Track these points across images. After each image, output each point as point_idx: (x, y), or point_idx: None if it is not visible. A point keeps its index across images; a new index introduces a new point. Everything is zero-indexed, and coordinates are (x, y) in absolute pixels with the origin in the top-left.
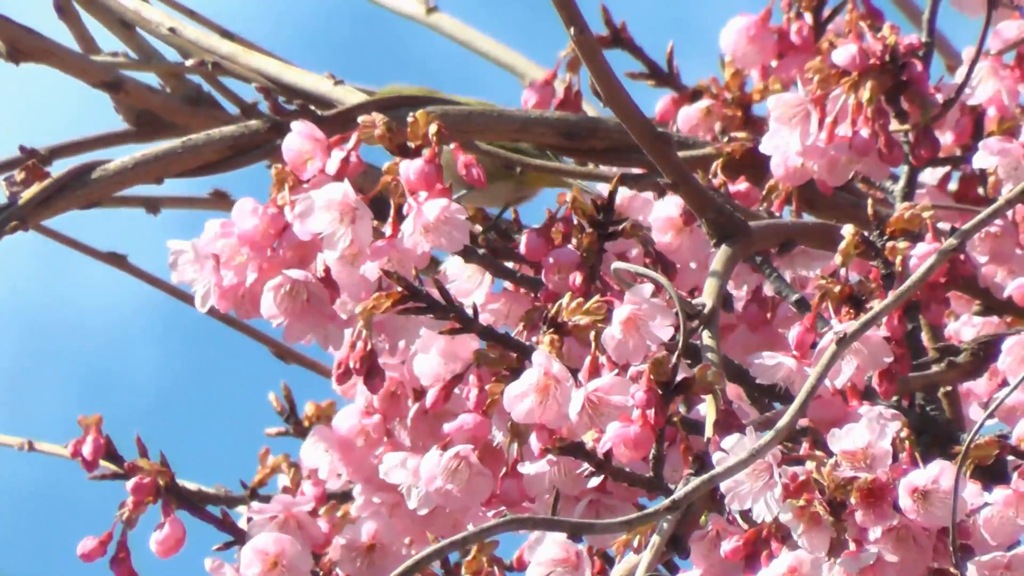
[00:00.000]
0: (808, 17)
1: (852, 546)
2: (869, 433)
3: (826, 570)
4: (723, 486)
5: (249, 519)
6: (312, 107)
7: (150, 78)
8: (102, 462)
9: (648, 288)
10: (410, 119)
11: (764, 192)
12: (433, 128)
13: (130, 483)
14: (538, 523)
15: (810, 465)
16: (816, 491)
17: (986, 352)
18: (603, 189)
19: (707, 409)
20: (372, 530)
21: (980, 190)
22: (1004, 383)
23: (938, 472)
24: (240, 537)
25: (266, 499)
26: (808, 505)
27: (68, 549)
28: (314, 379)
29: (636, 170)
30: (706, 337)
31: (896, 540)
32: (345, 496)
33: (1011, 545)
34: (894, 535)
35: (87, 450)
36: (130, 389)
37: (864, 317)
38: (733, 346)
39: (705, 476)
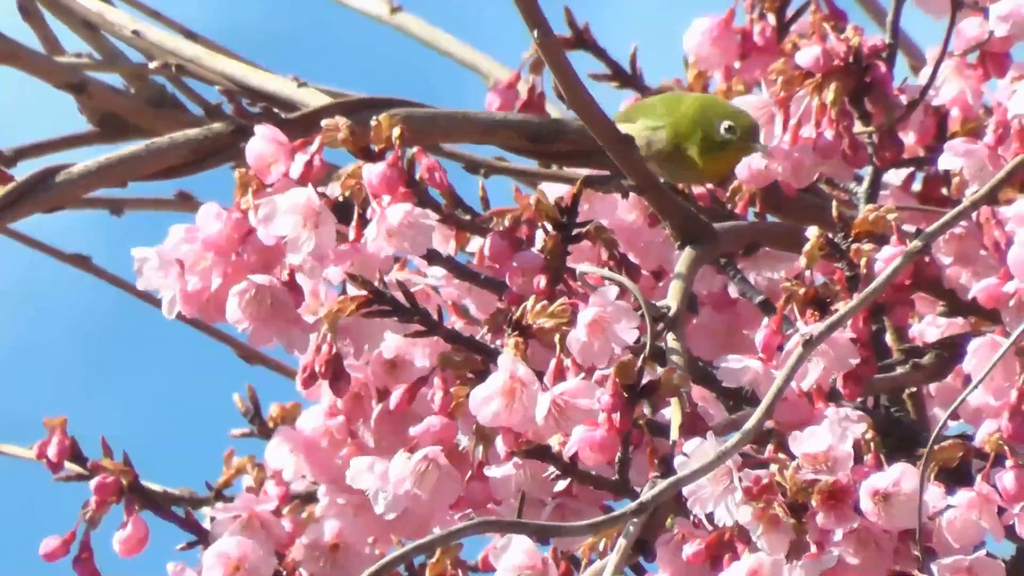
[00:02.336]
0: (771, 18)
1: (814, 548)
2: (831, 436)
3: (787, 572)
4: (686, 490)
5: (212, 518)
6: (276, 110)
7: (114, 79)
8: (67, 464)
9: (613, 291)
10: (373, 122)
11: (728, 194)
12: (396, 131)
13: (93, 482)
14: (504, 525)
15: (773, 468)
16: (778, 494)
17: (951, 354)
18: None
19: (673, 412)
20: (335, 529)
21: (944, 191)
22: (968, 383)
23: (899, 475)
24: (203, 537)
25: (231, 500)
26: (767, 507)
27: (30, 550)
28: (279, 381)
29: (601, 172)
30: (671, 340)
31: (857, 543)
32: (309, 498)
33: (974, 548)
34: (855, 537)
35: (52, 451)
36: (95, 390)
37: (830, 319)
38: (697, 331)
39: (672, 479)
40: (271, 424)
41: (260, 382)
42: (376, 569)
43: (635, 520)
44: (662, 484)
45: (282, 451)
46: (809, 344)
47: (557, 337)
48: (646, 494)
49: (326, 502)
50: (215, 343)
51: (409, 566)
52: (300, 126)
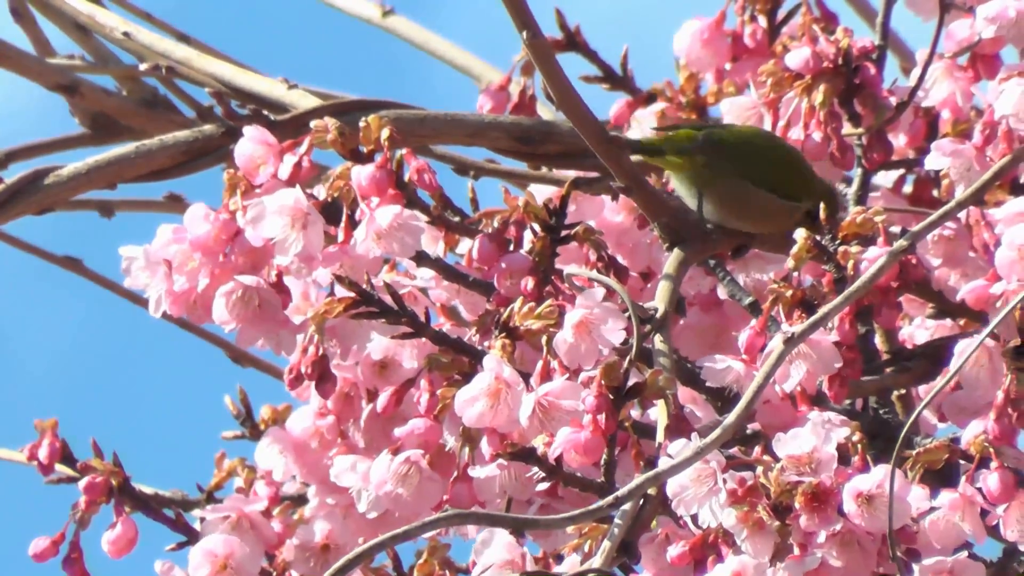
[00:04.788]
0: (762, 20)
1: (797, 551)
2: (814, 437)
3: (770, 574)
4: (670, 491)
5: (202, 519)
6: (265, 111)
7: (106, 81)
8: (58, 466)
9: (600, 292)
10: (362, 124)
11: None
12: (385, 133)
13: (83, 483)
14: (480, 518)
15: (757, 470)
16: (762, 496)
17: (939, 355)
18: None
19: (659, 414)
20: (325, 530)
21: (935, 193)
22: (957, 386)
23: (882, 476)
24: (194, 537)
25: (222, 502)
26: (752, 510)
27: (19, 551)
28: (270, 382)
29: (590, 174)
30: (658, 341)
31: (841, 544)
32: (301, 500)
33: (956, 549)
34: (839, 539)
35: (43, 454)
36: (85, 393)
37: (811, 318)
38: (685, 331)
39: (650, 473)
40: (262, 426)
41: (251, 384)
42: (353, 557)
43: (618, 520)
44: (640, 478)
45: (272, 452)
46: (790, 342)
47: (544, 339)
48: (624, 488)
49: (316, 503)
50: (206, 346)
51: (398, 567)
52: (290, 128)
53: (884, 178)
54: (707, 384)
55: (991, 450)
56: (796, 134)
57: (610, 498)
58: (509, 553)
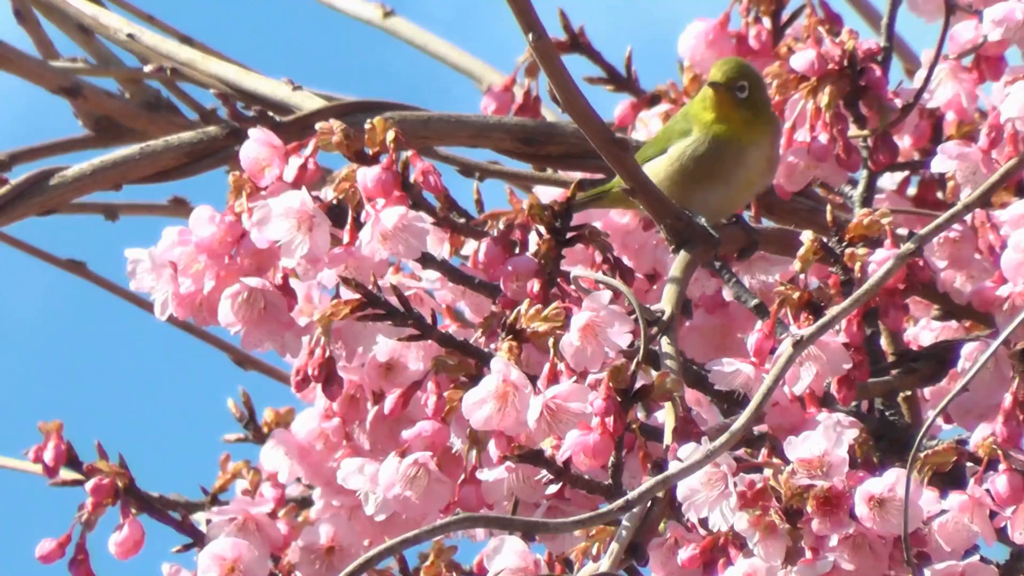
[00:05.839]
0: (767, 22)
1: (808, 554)
2: (826, 441)
3: None
4: (680, 495)
5: (208, 521)
6: (270, 113)
7: (109, 83)
8: (63, 469)
9: (606, 295)
10: (368, 126)
11: None
12: (391, 135)
13: (89, 484)
14: (490, 521)
15: (767, 473)
16: (773, 499)
17: (945, 357)
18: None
19: (666, 416)
20: (331, 532)
21: (939, 194)
22: (963, 389)
23: (894, 480)
24: (199, 539)
25: (226, 504)
26: (764, 514)
27: (26, 553)
28: (273, 385)
29: (595, 175)
30: (665, 344)
31: (852, 548)
32: (305, 502)
33: (967, 551)
34: (850, 543)
35: (48, 456)
36: (89, 396)
37: (820, 320)
38: (691, 333)
39: (659, 477)
40: (265, 429)
41: (254, 387)
42: (363, 562)
43: (626, 523)
44: (650, 481)
45: (277, 454)
46: (799, 345)
47: (551, 341)
48: (634, 492)
49: (321, 505)
50: (210, 349)
51: (404, 569)
52: (294, 129)
53: (889, 180)
54: (715, 387)
55: (999, 452)
56: (802, 136)
57: (621, 501)
58: (521, 559)
